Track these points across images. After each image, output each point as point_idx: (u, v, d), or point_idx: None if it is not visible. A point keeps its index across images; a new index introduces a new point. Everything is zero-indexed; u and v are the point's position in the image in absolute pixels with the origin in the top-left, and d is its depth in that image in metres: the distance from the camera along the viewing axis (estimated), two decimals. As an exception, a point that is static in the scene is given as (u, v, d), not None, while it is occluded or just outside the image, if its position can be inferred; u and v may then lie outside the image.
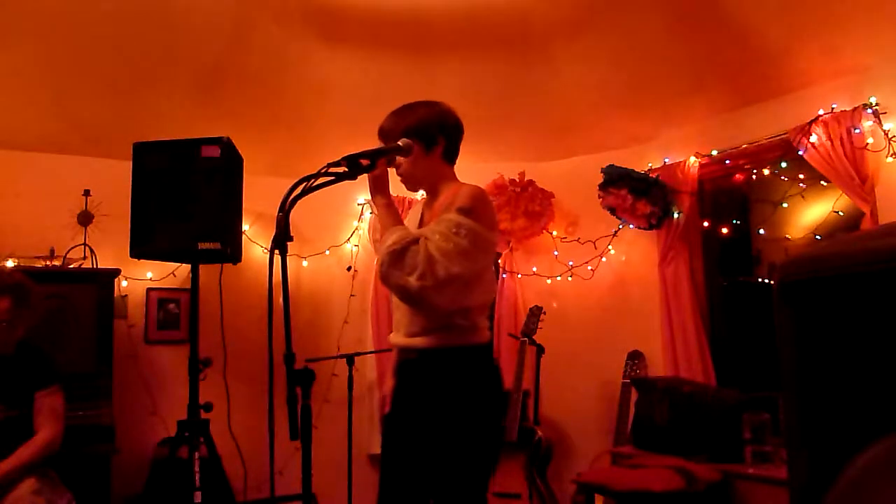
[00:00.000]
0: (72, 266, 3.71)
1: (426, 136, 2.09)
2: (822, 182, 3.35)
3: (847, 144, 3.06)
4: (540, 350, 4.00)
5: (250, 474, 3.64)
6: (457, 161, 2.21)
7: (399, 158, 2.09)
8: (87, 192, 3.90)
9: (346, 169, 1.90)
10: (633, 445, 3.47)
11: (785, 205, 3.60)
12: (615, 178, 3.85)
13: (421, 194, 3.57)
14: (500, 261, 4.47)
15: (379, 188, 2.07)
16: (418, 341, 2.05)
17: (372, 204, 4.36)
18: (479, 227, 1.94)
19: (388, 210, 2.06)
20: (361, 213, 4.58)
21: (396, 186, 2.18)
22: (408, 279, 1.87)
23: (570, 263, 4.32)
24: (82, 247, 3.83)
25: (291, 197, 1.74)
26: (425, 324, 2.04)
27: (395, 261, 1.89)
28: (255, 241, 4.36)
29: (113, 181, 3.62)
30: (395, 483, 2.11)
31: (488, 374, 2.08)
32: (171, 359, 4.05)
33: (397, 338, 2.14)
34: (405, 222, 2.15)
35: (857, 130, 3.04)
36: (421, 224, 2.17)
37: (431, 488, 2.01)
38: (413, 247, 1.88)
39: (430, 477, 2.01)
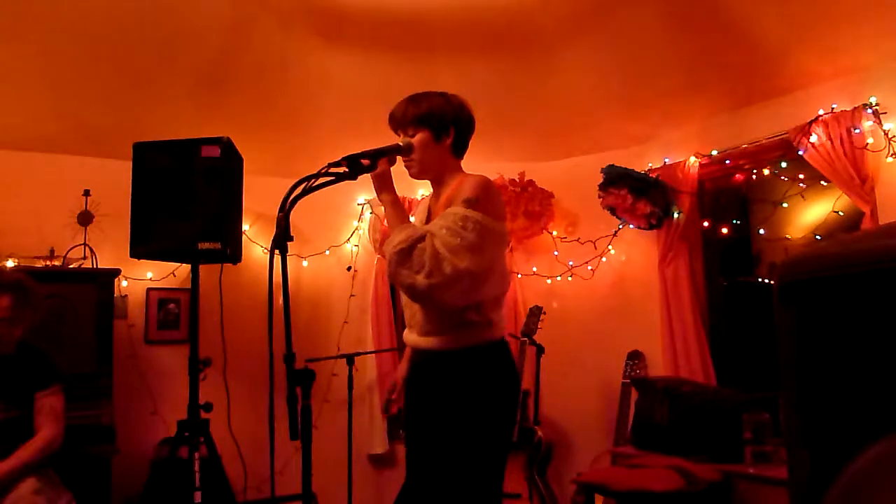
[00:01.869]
0: (72, 266, 3.71)
1: (437, 125, 2.08)
2: (822, 182, 3.35)
3: (847, 144, 3.06)
4: (540, 350, 4.00)
5: (250, 474, 3.64)
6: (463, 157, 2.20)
7: (411, 142, 2.08)
8: (87, 192, 3.90)
9: (347, 169, 1.90)
10: (633, 445, 3.47)
11: (785, 205, 3.60)
12: (615, 178, 3.85)
13: (420, 194, 3.56)
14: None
15: (384, 186, 2.05)
16: (433, 342, 2.03)
17: (374, 203, 4.39)
18: (486, 218, 1.90)
19: (395, 208, 2.03)
20: (361, 213, 4.58)
21: (401, 188, 2.18)
22: (416, 277, 1.84)
23: (570, 263, 4.32)
24: (82, 247, 3.82)
25: (292, 197, 1.74)
26: (439, 322, 2.01)
27: (402, 259, 1.86)
28: (255, 241, 4.36)
29: (113, 181, 3.62)
30: (414, 483, 2.10)
31: (504, 373, 2.05)
32: (171, 359, 4.05)
33: (411, 336, 2.12)
34: (413, 221, 2.13)
35: (857, 130, 3.04)
36: (429, 219, 2.14)
37: (442, 489, 1.98)
38: (420, 244, 1.85)
39: (442, 477, 1.97)
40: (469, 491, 1.94)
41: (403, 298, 2.13)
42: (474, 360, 1.99)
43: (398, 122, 2.11)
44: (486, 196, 1.95)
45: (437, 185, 2.17)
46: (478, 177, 2.02)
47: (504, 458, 2.06)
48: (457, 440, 1.95)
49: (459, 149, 2.16)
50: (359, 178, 1.97)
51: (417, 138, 2.07)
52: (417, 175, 2.13)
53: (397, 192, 2.08)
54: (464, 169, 2.18)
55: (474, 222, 1.87)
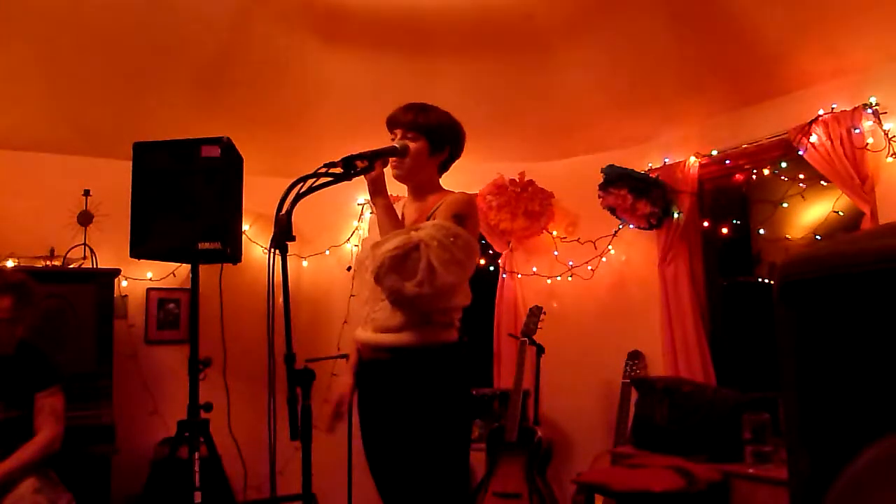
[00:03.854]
0: (72, 266, 3.71)
1: (438, 140, 2.16)
2: (822, 182, 3.35)
3: (847, 144, 3.06)
4: (540, 350, 3.99)
5: (250, 474, 3.64)
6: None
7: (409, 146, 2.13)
8: (87, 192, 3.90)
9: (342, 170, 1.91)
10: (633, 445, 3.46)
11: (785, 205, 3.60)
12: (615, 178, 3.85)
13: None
14: (500, 261, 4.47)
15: (378, 190, 2.09)
16: (395, 338, 2.05)
17: (372, 204, 4.39)
18: (470, 236, 2.03)
19: (387, 212, 2.09)
20: (361, 213, 4.58)
21: (396, 188, 2.18)
22: (405, 284, 1.91)
23: (570, 263, 4.32)
24: (82, 247, 3.82)
25: (290, 197, 1.74)
26: (405, 319, 2.03)
27: (395, 265, 1.91)
28: (255, 241, 4.36)
29: (113, 181, 3.62)
30: (393, 488, 2.11)
31: (465, 371, 2.12)
32: (171, 359, 4.05)
33: (365, 334, 2.12)
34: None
35: (857, 130, 3.04)
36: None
37: (413, 487, 2.02)
38: (414, 254, 1.91)
39: (412, 476, 2.02)
40: (445, 480, 2.01)
41: (359, 297, 2.18)
42: (436, 357, 2.04)
43: (402, 124, 2.15)
44: (474, 214, 2.11)
45: (415, 193, 2.24)
46: (464, 194, 2.14)
47: (465, 459, 2.14)
48: (427, 435, 1.99)
49: (443, 169, 2.27)
50: (355, 179, 1.98)
51: (415, 145, 2.12)
52: (401, 178, 2.19)
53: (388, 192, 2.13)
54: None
55: (464, 240, 1.99)
